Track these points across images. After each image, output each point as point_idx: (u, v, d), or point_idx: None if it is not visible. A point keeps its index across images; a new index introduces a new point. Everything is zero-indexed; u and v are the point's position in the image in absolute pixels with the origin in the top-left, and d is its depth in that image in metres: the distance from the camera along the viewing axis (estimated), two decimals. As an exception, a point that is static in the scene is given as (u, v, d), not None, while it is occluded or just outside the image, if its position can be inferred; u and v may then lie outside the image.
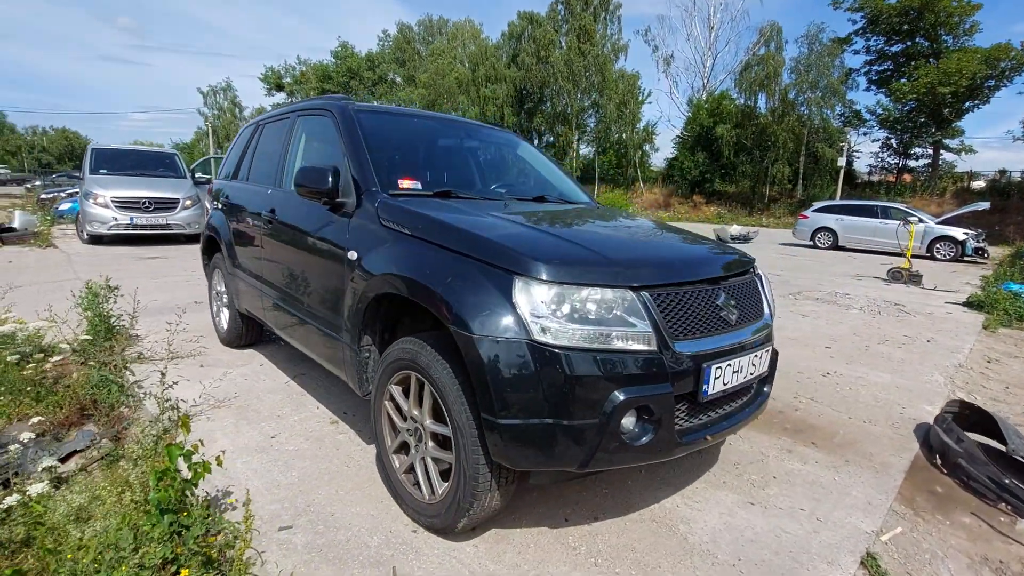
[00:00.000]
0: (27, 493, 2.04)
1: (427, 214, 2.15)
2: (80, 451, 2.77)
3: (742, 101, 30.53)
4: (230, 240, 3.84)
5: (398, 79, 48.97)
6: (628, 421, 1.79)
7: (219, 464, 2.03)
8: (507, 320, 1.72)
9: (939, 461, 2.83)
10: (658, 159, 37.34)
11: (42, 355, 3.85)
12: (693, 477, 2.59)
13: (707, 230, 18.21)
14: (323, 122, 2.96)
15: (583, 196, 3.42)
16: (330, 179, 2.43)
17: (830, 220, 15.21)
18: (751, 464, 2.74)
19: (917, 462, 2.86)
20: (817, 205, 16.21)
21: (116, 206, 9.84)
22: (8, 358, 3.29)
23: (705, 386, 1.90)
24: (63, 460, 2.69)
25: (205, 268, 4.58)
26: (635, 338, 1.78)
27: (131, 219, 9.89)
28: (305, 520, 2.14)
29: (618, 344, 1.76)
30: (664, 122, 66.87)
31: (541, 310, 1.71)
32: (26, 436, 2.73)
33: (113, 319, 4.20)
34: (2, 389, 3.11)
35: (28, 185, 29.10)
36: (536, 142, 40.56)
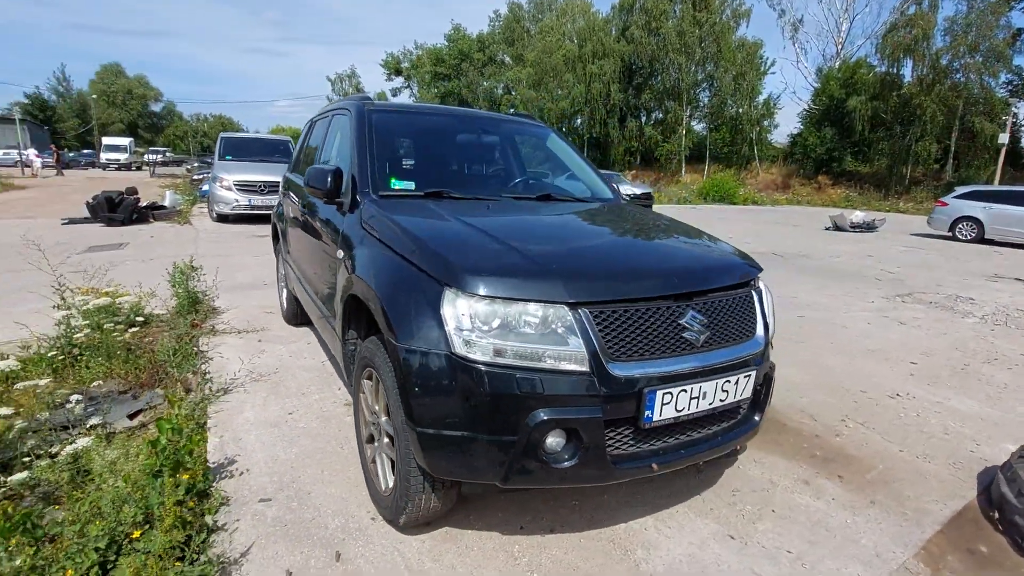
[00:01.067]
0: (73, 444, 2.47)
1: (391, 217, 2.21)
2: (143, 410, 3.26)
3: (883, 69, 26.64)
4: (284, 228, 4.22)
5: (507, 59, 49.31)
6: (553, 442, 1.74)
7: (196, 445, 2.29)
8: (431, 331, 1.74)
9: (996, 515, 2.39)
10: (779, 136, 34.07)
11: (138, 324, 4.55)
12: (678, 499, 2.44)
13: (823, 216, 16.35)
14: (346, 121, 3.11)
15: (604, 192, 3.28)
16: (329, 180, 2.57)
17: (976, 208, 12.86)
18: (752, 492, 2.51)
19: (966, 513, 2.43)
20: (961, 190, 13.77)
21: (238, 189, 11.15)
22: (106, 326, 3.93)
23: (648, 412, 1.77)
24: (131, 417, 3.19)
25: (275, 251, 5.08)
26: (565, 358, 1.71)
27: (249, 201, 11.16)
28: (284, 495, 2.36)
29: (546, 363, 1.70)
30: (788, 95, 60.18)
31: (466, 323, 1.70)
32: (99, 392, 3.29)
33: (199, 294, 4.84)
34: (100, 352, 3.74)
35: (187, 166, 33.73)
36: (643, 119, 38.86)
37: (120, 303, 4.49)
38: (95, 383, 3.47)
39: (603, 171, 17.12)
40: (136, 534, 1.82)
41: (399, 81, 58.49)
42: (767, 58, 31.73)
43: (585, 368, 1.71)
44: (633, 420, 1.78)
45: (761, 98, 31.26)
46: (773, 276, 7.81)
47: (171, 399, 2.40)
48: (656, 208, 19.55)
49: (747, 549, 2.13)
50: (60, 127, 63.25)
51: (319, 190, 2.63)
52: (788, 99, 45.64)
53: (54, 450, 2.55)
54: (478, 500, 2.34)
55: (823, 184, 27.47)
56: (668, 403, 1.81)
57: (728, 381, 1.94)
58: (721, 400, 1.95)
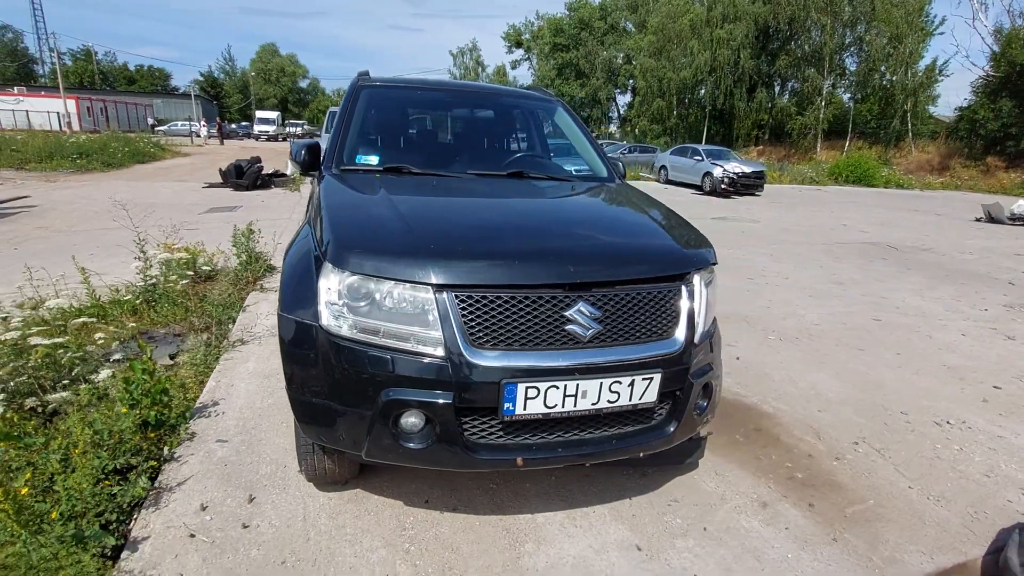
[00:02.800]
0: (97, 375, 2.94)
1: (322, 191, 2.28)
2: (185, 351, 3.76)
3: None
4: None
5: (630, 26, 47.06)
6: (409, 422, 1.73)
7: (166, 386, 2.60)
8: (308, 303, 1.80)
9: (993, 583, 1.95)
10: (943, 108, 28.85)
11: (206, 277, 5.19)
12: (604, 499, 2.30)
13: (974, 205, 13.69)
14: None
15: (599, 170, 3.08)
16: (303, 154, 2.72)
17: None
18: (693, 506, 2.29)
19: (954, 574, 2.01)
20: None
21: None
22: (172, 277, 4.55)
23: (508, 405, 1.69)
24: (172, 357, 3.70)
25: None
26: (422, 340, 1.68)
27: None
28: (240, 439, 2.61)
29: (402, 344, 1.69)
30: (958, 60, 49.68)
31: (335, 298, 1.74)
32: (158, 333, 3.83)
33: (258, 255, 5.40)
34: (167, 300, 4.35)
35: (292, 138, 37.06)
36: (778, 88, 35.11)
37: (179, 257, 5.15)
38: (165, 326, 4.08)
39: (712, 147, 15.82)
40: (76, 452, 2.13)
41: (519, 53, 58.58)
42: (934, 17, 26.87)
43: (440, 352, 1.67)
44: (494, 411, 1.71)
45: (923, 64, 26.63)
46: (873, 271, 6.83)
47: (141, 345, 2.74)
48: (772, 188, 17.67)
49: (648, 564, 1.97)
50: (226, 102, 72.54)
51: (296, 163, 2.78)
52: (958, 65, 38.32)
53: (94, 377, 3.06)
54: (402, 468, 2.40)
55: (992, 167, 22.94)
56: (534, 398, 1.70)
57: (618, 382, 1.78)
58: (609, 402, 1.79)
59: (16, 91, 41.03)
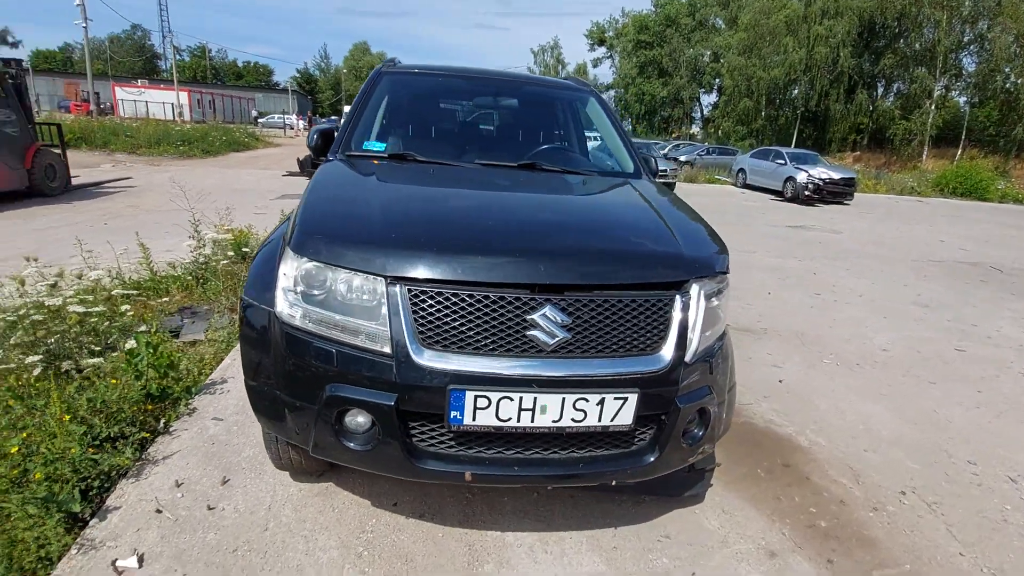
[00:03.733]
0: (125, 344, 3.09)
1: (315, 176, 2.22)
2: (210, 329, 3.90)
3: None
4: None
5: (719, 22, 44.94)
6: (353, 421, 1.62)
7: (172, 360, 2.67)
8: (267, 288, 1.73)
9: None
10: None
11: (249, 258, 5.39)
12: (584, 525, 2.09)
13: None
14: None
15: (625, 165, 2.85)
16: (316, 138, 2.70)
17: None
18: (686, 545, 2.03)
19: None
20: None
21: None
22: (216, 257, 4.77)
23: (455, 413, 1.53)
24: (176, 335, 3.83)
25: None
26: (368, 334, 1.57)
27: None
28: (234, 420, 2.64)
29: (351, 338, 1.58)
30: None
31: (291, 284, 1.67)
32: (201, 309, 4.03)
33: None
34: (213, 279, 4.57)
35: None
36: (881, 90, 32.17)
37: (247, 241, 5.40)
38: (209, 303, 4.28)
39: (798, 151, 14.79)
40: (66, 418, 2.20)
41: (601, 51, 57.71)
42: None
43: (386, 350, 1.55)
44: (442, 418, 1.57)
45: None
46: (967, 294, 6.00)
47: (145, 319, 2.83)
48: (863, 198, 16.02)
49: (617, 605, 1.75)
50: (319, 97, 76.95)
51: (309, 148, 2.77)
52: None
53: (123, 346, 3.23)
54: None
55: None
56: (485, 408, 1.53)
57: (584, 399, 1.57)
58: (574, 420, 1.59)
59: (139, 83, 45.72)
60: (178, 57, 63.95)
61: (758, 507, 2.27)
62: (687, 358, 1.69)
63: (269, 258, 1.85)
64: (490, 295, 1.56)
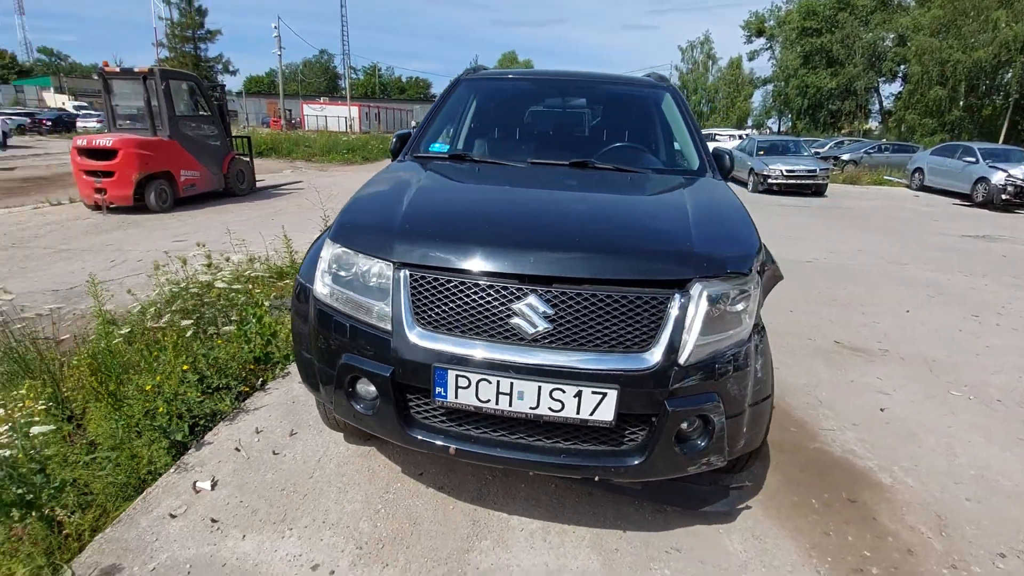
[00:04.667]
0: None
1: (374, 176, 2.49)
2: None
3: None
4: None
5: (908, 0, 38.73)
6: (362, 388, 1.84)
7: (276, 330, 3.16)
8: (312, 270, 2.02)
9: None
10: None
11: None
12: (591, 522, 2.07)
13: None
14: None
15: (690, 162, 2.75)
16: (395, 141, 3.02)
17: None
18: (698, 563, 1.92)
19: None
20: None
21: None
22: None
23: (440, 389, 1.66)
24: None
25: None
26: (376, 313, 1.77)
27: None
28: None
29: (362, 315, 1.80)
30: None
31: (324, 267, 1.94)
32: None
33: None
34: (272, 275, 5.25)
35: None
36: None
37: None
38: None
39: (995, 146, 12.46)
40: (186, 367, 2.75)
41: (759, 42, 53.14)
42: None
43: (387, 327, 1.73)
44: (429, 393, 1.70)
45: None
46: None
47: (252, 294, 3.36)
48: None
49: (599, 603, 1.74)
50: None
51: (391, 151, 3.10)
52: None
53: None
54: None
55: None
56: (465, 388, 1.64)
57: (560, 390, 1.59)
58: (551, 410, 1.62)
59: (321, 100, 52.88)
60: (353, 76, 72.66)
61: (797, 539, 2.05)
62: (681, 360, 1.62)
63: (319, 247, 2.15)
64: (480, 283, 1.67)
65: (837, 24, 40.19)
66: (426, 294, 1.71)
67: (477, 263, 1.67)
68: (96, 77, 9.95)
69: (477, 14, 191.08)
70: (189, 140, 9.95)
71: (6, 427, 2.29)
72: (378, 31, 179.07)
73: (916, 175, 15.60)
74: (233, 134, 11.99)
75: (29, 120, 27.11)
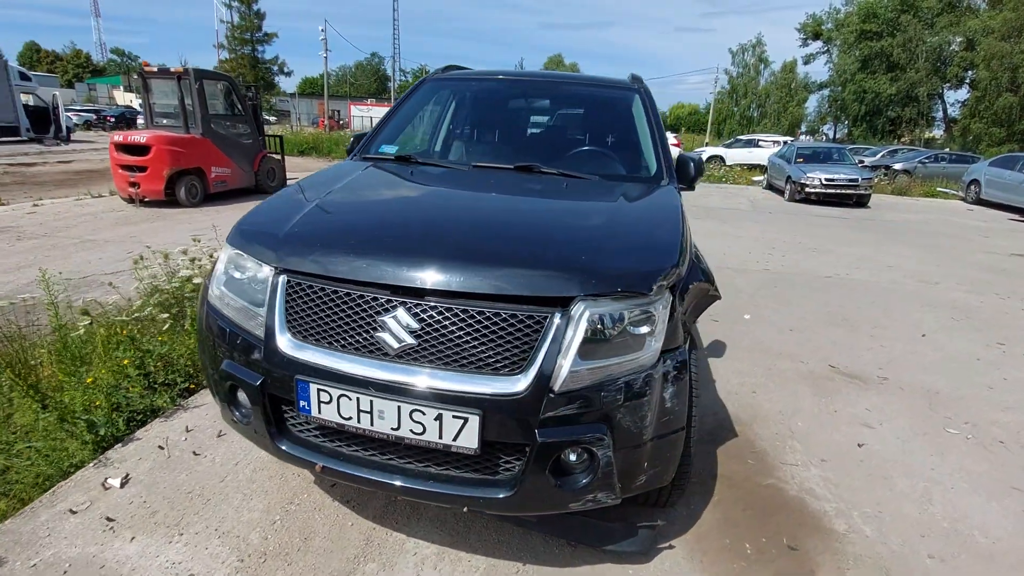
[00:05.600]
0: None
1: (300, 180, 2.43)
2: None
3: None
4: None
5: (979, 1, 36.26)
6: (241, 395, 1.77)
7: None
8: (214, 273, 1.98)
9: None
10: None
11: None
12: (495, 553, 1.94)
13: None
14: None
15: (647, 169, 2.59)
16: (352, 143, 2.97)
17: None
18: (593, 604, 1.76)
19: None
20: None
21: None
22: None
23: (303, 403, 1.57)
24: None
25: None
26: (251, 317, 1.70)
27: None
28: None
29: (243, 320, 1.73)
30: None
31: (220, 268, 1.89)
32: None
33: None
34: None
35: None
36: None
37: None
38: None
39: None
40: (127, 362, 2.77)
41: (816, 46, 50.98)
42: None
43: (260, 333, 1.66)
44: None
45: None
46: None
47: None
48: None
49: (468, 643, 1.60)
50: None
51: (347, 151, 3.05)
52: None
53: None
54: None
55: None
56: (328, 403, 1.54)
57: (420, 412, 1.48)
58: (413, 432, 1.50)
59: (368, 102, 54.21)
60: (402, 77, 74.10)
61: (721, 586, 1.85)
62: (555, 387, 1.47)
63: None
64: (352, 292, 1.57)
65: (899, 27, 38.09)
66: (300, 302, 1.63)
67: (349, 271, 1.58)
68: (137, 76, 10.46)
69: (525, 17, 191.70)
70: (221, 138, 10.30)
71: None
72: (428, 35, 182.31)
73: (972, 187, 14.50)
74: (268, 134, 12.38)
75: (95, 116, 28.90)
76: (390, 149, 2.80)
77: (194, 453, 2.41)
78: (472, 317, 1.50)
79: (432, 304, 1.52)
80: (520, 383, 1.47)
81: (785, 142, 19.04)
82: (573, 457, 1.57)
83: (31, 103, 21.07)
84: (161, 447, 2.44)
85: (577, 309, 1.50)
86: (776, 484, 2.43)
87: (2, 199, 9.04)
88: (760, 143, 22.07)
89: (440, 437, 1.49)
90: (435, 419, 1.48)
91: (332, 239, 1.71)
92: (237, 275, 1.80)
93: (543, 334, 1.49)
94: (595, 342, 1.51)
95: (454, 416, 1.46)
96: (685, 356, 1.73)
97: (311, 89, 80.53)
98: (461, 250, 1.62)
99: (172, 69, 9.88)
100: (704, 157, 21.07)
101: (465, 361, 1.49)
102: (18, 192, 10.02)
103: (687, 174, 2.65)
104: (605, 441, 1.52)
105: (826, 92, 47.61)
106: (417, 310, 1.52)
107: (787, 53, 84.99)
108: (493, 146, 2.93)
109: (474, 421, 1.46)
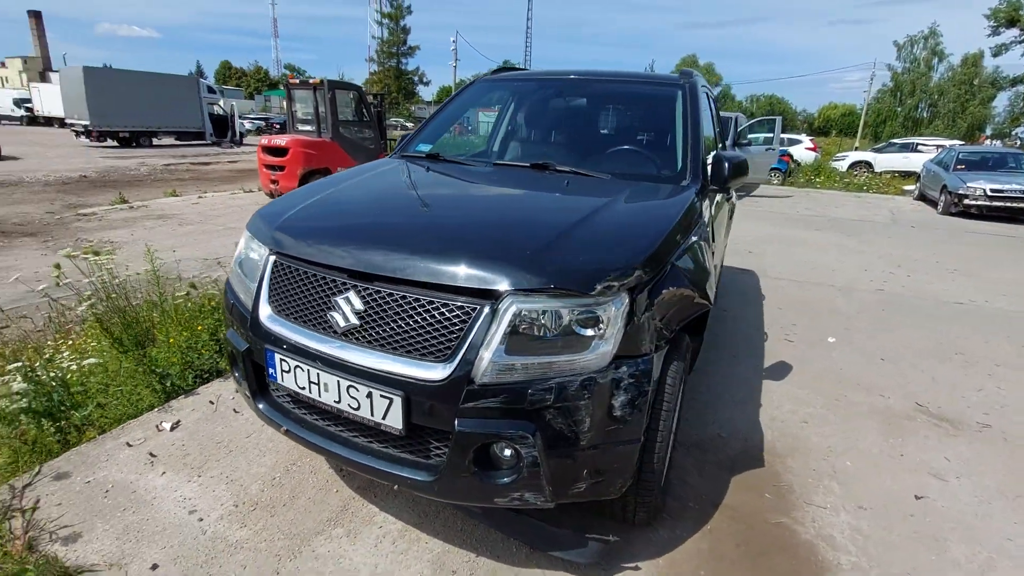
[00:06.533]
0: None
1: (333, 175, 2.66)
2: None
3: None
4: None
5: None
6: (237, 361, 2.00)
7: None
8: (236, 253, 2.25)
9: None
10: None
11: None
12: (455, 540, 1.98)
13: None
14: None
15: (671, 169, 2.46)
16: (400, 140, 3.19)
17: None
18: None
19: None
20: None
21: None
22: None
23: (271, 370, 1.76)
24: None
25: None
26: (246, 292, 1.93)
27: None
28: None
29: (240, 293, 1.98)
30: None
31: (238, 251, 2.15)
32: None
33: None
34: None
35: None
36: None
37: None
38: None
39: None
40: (200, 328, 3.23)
41: (1010, 34, 42.89)
42: None
43: (248, 305, 1.88)
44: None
45: None
46: None
47: None
48: None
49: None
50: (641, 111, 79.95)
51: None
52: None
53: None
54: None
55: None
56: (288, 372, 1.71)
57: (355, 388, 1.57)
58: (351, 407, 1.61)
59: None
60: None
61: (671, 617, 1.72)
62: (476, 378, 1.48)
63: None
64: (317, 274, 1.73)
65: None
66: (281, 279, 1.82)
67: (315, 254, 1.74)
68: (282, 87, 12.00)
69: (662, 17, 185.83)
70: (347, 141, 11.44)
71: (73, 355, 2.96)
72: (560, 40, 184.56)
73: None
74: (389, 137, 13.48)
75: (264, 123, 33.56)
76: (424, 148, 2.95)
77: (234, 411, 2.76)
78: (410, 304, 1.56)
79: (377, 289, 1.61)
80: (443, 371, 1.50)
81: (948, 147, 16.32)
82: (501, 452, 1.57)
83: (216, 112, 25.12)
84: (211, 402, 2.83)
85: (505, 303, 1.49)
86: (788, 524, 2.16)
87: (177, 192, 10.92)
88: (919, 147, 19.12)
89: (372, 415, 1.58)
90: (367, 396, 1.57)
91: (312, 225, 1.89)
92: (247, 255, 2.05)
93: (470, 325, 1.51)
94: (525, 338, 1.49)
95: (381, 395, 1.54)
96: (649, 366, 1.64)
97: (447, 97, 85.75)
98: (408, 240, 1.69)
99: (310, 80, 11.19)
100: (846, 164, 18.83)
101: (398, 344, 1.57)
102: (191, 186, 12.00)
103: (720, 175, 2.46)
104: (531, 440, 1.50)
105: (1021, 88, 39.87)
106: (365, 294, 1.62)
107: (969, 45, 72.50)
108: (522, 144, 2.96)
109: (398, 402, 1.52)
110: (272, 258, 1.86)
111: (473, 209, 2.06)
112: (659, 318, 1.71)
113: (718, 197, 2.91)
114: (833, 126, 60.41)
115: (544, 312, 1.50)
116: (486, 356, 1.48)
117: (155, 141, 23.21)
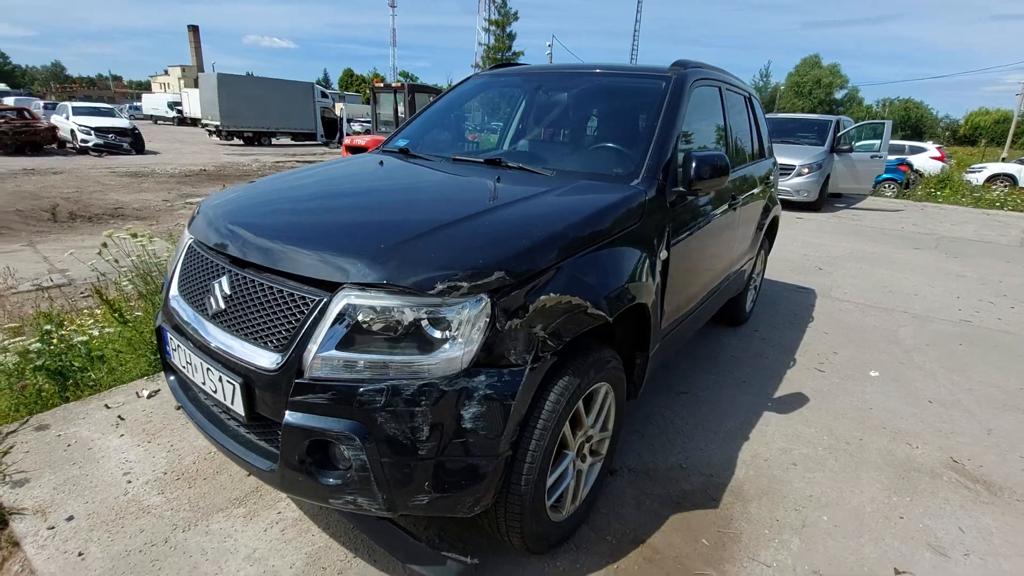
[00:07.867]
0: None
1: (304, 167, 2.73)
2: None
3: None
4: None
5: None
6: (164, 337, 2.12)
7: None
8: None
9: None
10: None
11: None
12: (342, 538, 1.96)
13: None
14: None
15: (622, 167, 2.26)
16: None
17: None
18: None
19: None
20: None
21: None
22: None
23: (167, 346, 1.85)
24: None
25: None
26: (170, 273, 2.04)
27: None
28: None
29: (168, 274, 2.09)
30: None
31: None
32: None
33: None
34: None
35: None
36: None
37: None
38: None
39: None
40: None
41: None
42: None
43: (167, 285, 1.98)
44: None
45: None
46: None
47: None
48: None
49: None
50: (752, 116, 75.02)
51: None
52: None
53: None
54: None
55: None
56: (176, 350, 1.78)
57: (212, 371, 1.60)
58: (212, 390, 1.63)
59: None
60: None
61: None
62: (306, 371, 1.44)
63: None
64: (207, 258, 1.79)
65: None
66: (188, 262, 1.91)
67: (204, 238, 1.82)
68: (369, 91, 12.74)
69: (784, 17, 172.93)
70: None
71: (96, 324, 3.34)
72: (670, 42, 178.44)
73: None
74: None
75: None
76: (402, 143, 2.96)
77: (208, 386, 2.95)
78: (266, 291, 1.56)
79: (243, 275, 1.63)
80: (276, 360, 1.48)
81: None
82: (338, 452, 1.51)
83: (328, 115, 27.33)
84: (193, 376, 3.05)
85: (338, 296, 1.44)
86: (713, 577, 1.88)
87: (271, 185, 11.97)
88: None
89: (224, 398, 1.60)
90: (219, 380, 1.59)
91: (219, 212, 1.95)
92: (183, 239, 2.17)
93: (307, 316, 1.47)
94: (360, 335, 1.43)
95: (227, 380, 1.56)
96: (516, 378, 1.50)
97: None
98: (283, 229, 1.69)
99: (393, 84, 11.79)
100: (982, 177, 16.25)
101: (248, 331, 1.57)
102: (285, 181, 13.08)
103: (686, 176, 2.21)
104: (357, 443, 1.42)
105: None
106: (235, 279, 1.65)
107: None
108: (497, 138, 2.87)
109: (237, 387, 1.53)
110: (189, 241, 1.95)
111: (374, 202, 2.03)
112: (540, 327, 1.56)
113: (705, 201, 2.62)
114: (983, 134, 52.54)
115: (382, 309, 1.43)
116: (313, 349, 1.43)
117: (273, 141, 25.74)
